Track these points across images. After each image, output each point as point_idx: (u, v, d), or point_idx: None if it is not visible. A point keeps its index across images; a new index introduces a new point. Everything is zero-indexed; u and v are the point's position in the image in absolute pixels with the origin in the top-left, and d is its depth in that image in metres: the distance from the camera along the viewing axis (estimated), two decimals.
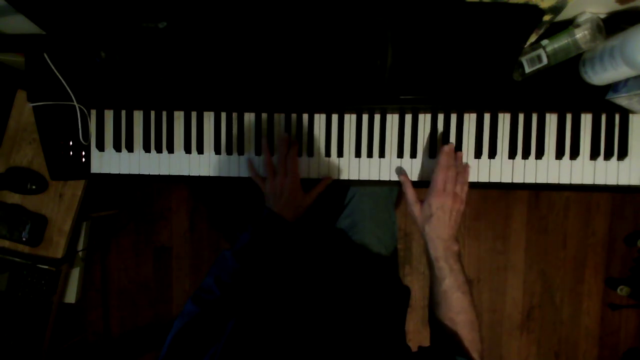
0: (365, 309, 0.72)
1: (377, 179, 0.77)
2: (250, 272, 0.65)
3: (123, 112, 0.82)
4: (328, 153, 0.78)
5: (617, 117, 0.72)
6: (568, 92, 0.71)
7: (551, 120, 0.74)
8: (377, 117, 0.77)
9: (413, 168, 0.77)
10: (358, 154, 0.77)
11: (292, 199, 0.72)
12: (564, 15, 0.63)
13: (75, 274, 1.41)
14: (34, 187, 1.04)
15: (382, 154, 0.77)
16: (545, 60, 0.66)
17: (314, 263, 0.84)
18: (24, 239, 1.05)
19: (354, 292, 0.75)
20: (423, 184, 0.75)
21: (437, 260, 0.65)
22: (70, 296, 1.41)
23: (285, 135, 0.76)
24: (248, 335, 0.48)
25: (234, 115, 0.80)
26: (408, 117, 0.76)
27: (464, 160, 0.75)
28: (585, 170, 0.74)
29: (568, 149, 0.73)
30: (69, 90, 0.78)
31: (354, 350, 0.51)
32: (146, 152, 0.82)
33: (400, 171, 0.77)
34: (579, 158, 0.73)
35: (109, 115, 0.82)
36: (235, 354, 0.46)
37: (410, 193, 0.72)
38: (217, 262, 0.68)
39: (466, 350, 0.61)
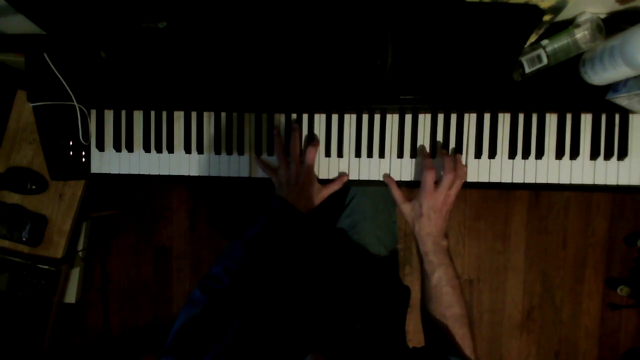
0: (365, 309, 0.72)
1: (377, 179, 0.77)
2: (260, 262, 0.65)
3: (123, 112, 0.82)
4: (328, 153, 0.78)
5: (617, 117, 0.72)
6: (568, 92, 0.70)
7: (551, 120, 0.74)
8: (377, 117, 0.77)
9: (413, 168, 0.77)
10: (358, 154, 0.77)
11: (307, 188, 0.72)
12: (564, 15, 0.63)
13: (75, 274, 1.41)
14: (34, 187, 1.04)
15: (382, 154, 0.77)
16: (545, 60, 0.66)
17: (315, 263, 0.84)
18: (24, 239, 1.05)
19: (354, 292, 0.75)
20: None
21: (426, 255, 0.66)
22: (70, 296, 1.41)
23: (296, 125, 0.76)
24: (252, 334, 0.48)
25: (234, 115, 0.80)
26: (408, 117, 0.76)
27: (464, 160, 0.75)
28: (585, 170, 0.74)
29: (568, 149, 0.73)
30: (69, 90, 0.78)
31: (354, 351, 0.51)
32: (146, 152, 0.82)
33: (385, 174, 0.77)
34: (579, 158, 0.73)
35: (109, 115, 0.82)
36: (239, 353, 0.46)
37: (397, 194, 0.73)
38: (228, 251, 0.67)
39: (458, 347, 0.62)
